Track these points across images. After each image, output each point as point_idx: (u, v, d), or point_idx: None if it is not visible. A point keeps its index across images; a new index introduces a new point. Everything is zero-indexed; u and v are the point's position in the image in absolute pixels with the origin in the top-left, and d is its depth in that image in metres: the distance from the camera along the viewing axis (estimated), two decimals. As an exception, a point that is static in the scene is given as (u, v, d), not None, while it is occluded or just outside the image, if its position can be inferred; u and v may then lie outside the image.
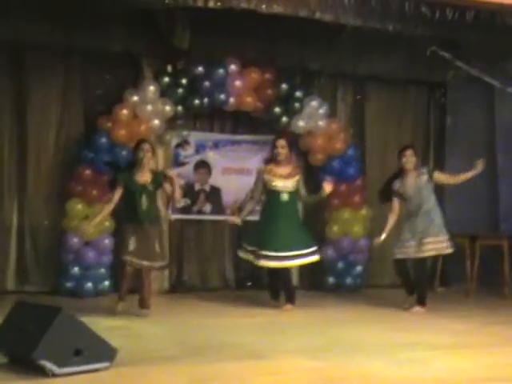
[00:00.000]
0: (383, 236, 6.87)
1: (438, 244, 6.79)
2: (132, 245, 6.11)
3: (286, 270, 6.88)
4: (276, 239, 6.65)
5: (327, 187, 6.78)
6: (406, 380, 4.10)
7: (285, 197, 6.75)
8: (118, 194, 6.25)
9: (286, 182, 6.76)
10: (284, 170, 6.82)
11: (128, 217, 6.24)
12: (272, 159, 6.90)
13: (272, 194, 6.78)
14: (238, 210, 7.44)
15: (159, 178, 6.33)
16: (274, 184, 6.75)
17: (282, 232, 6.67)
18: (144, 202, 6.19)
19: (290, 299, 6.82)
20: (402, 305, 6.93)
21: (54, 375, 3.92)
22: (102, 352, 4.15)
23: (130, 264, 6.13)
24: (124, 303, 6.20)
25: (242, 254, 6.93)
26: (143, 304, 6.22)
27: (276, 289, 6.97)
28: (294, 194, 6.81)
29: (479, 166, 6.66)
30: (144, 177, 6.25)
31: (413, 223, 6.80)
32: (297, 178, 6.83)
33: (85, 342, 4.07)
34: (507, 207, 8.36)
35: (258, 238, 6.74)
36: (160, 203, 6.62)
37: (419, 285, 6.93)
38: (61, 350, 3.96)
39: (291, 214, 6.83)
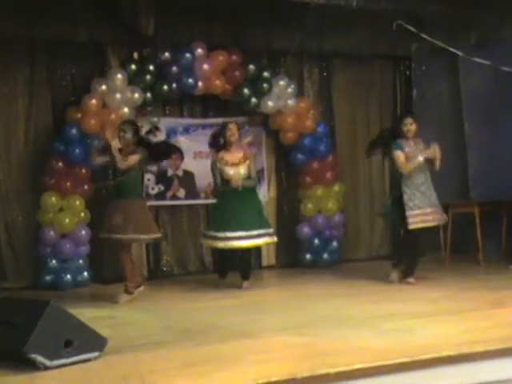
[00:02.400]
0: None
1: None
2: (115, 221, 6.27)
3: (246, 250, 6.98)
4: (233, 220, 6.73)
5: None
6: (391, 350, 4.17)
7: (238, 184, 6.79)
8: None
9: (238, 169, 6.83)
10: (235, 156, 6.87)
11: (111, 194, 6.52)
12: (223, 145, 6.91)
13: (226, 182, 6.83)
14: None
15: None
16: (227, 173, 6.80)
17: (238, 213, 6.75)
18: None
19: (247, 276, 6.95)
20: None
21: (46, 368, 3.93)
22: (92, 342, 4.17)
23: (113, 241, 6.30)
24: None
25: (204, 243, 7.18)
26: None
27: (224, 269, 7.18)
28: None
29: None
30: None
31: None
32: (248, 162, 6.89)
33: (74, 333, 4.08)
34: (476, 175, 8.49)
35: (218, 222, 6.85)
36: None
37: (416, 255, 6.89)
38: (51, 343, 3.97)
39: (246, 200, 6.86)
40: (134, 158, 6.37)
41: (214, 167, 6.91)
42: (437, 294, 6.28)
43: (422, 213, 6.69)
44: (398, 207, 6.77)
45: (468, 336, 4.47)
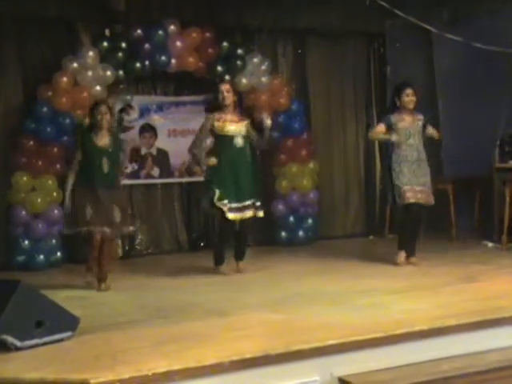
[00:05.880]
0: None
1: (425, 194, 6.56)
2: (89, 213, 5.86)
3: (247, 223, 6.54)
4: (237, 188, 6.33)
5: (267, 120, 6.46)
6: (366, 325, 4.20)
7: (239, 142, 6.40)
8: (77, 159, 6.03)
9: (238, 127, 6.40)
10: (233, 116, 6.45)
11: (85, 181, 5.94)
12: (217, 106, 6.46)
13: (225, 140, 6.38)
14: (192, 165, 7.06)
15: (121, 143, 6.26)
16: (226, 129, 6.36)
17: (241, 180, 6.36)
18: (105, 165, 5.94)
19: (242, 256, 6.60)
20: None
21: (18, 349, 3.90)
22: (64, 322, 4.14)
23: (90, 233, 5.86)
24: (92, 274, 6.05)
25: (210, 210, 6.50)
26: (102, 275, 5.99)
27: (224, 251, 6.58)
28: (246, 139, 6.44)
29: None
30: (104, 140, 6.00)
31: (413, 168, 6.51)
32: (247, 122, 6.48)
33: (46, 314, 4.06)
34: (449, 152, 8.53)
35: (222, 189, 6.31)
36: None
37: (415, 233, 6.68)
38: (22, 323, 3.95)
39: (246, 160, 6.45)
40: None
41: (203, 129, 6.46)
42: (411, 269, 6.36)
43: (412, 189, 6.43)
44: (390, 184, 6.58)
45: (440, 311, 4.52)
